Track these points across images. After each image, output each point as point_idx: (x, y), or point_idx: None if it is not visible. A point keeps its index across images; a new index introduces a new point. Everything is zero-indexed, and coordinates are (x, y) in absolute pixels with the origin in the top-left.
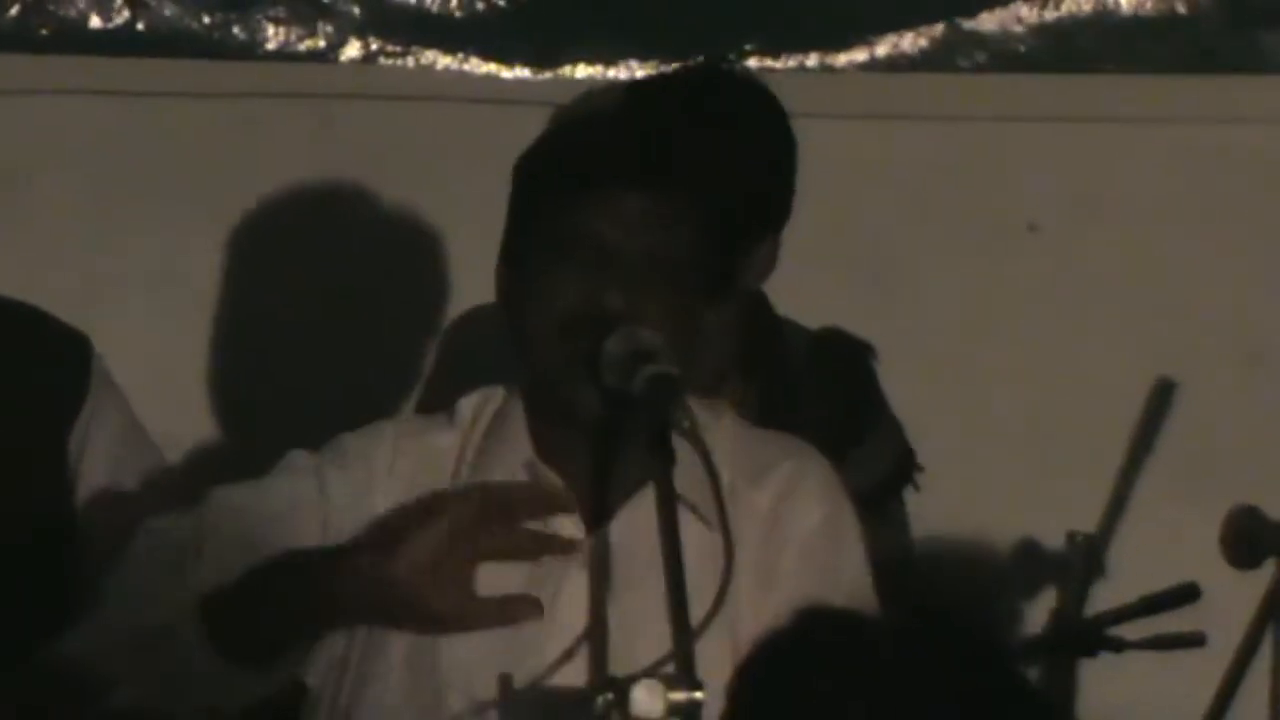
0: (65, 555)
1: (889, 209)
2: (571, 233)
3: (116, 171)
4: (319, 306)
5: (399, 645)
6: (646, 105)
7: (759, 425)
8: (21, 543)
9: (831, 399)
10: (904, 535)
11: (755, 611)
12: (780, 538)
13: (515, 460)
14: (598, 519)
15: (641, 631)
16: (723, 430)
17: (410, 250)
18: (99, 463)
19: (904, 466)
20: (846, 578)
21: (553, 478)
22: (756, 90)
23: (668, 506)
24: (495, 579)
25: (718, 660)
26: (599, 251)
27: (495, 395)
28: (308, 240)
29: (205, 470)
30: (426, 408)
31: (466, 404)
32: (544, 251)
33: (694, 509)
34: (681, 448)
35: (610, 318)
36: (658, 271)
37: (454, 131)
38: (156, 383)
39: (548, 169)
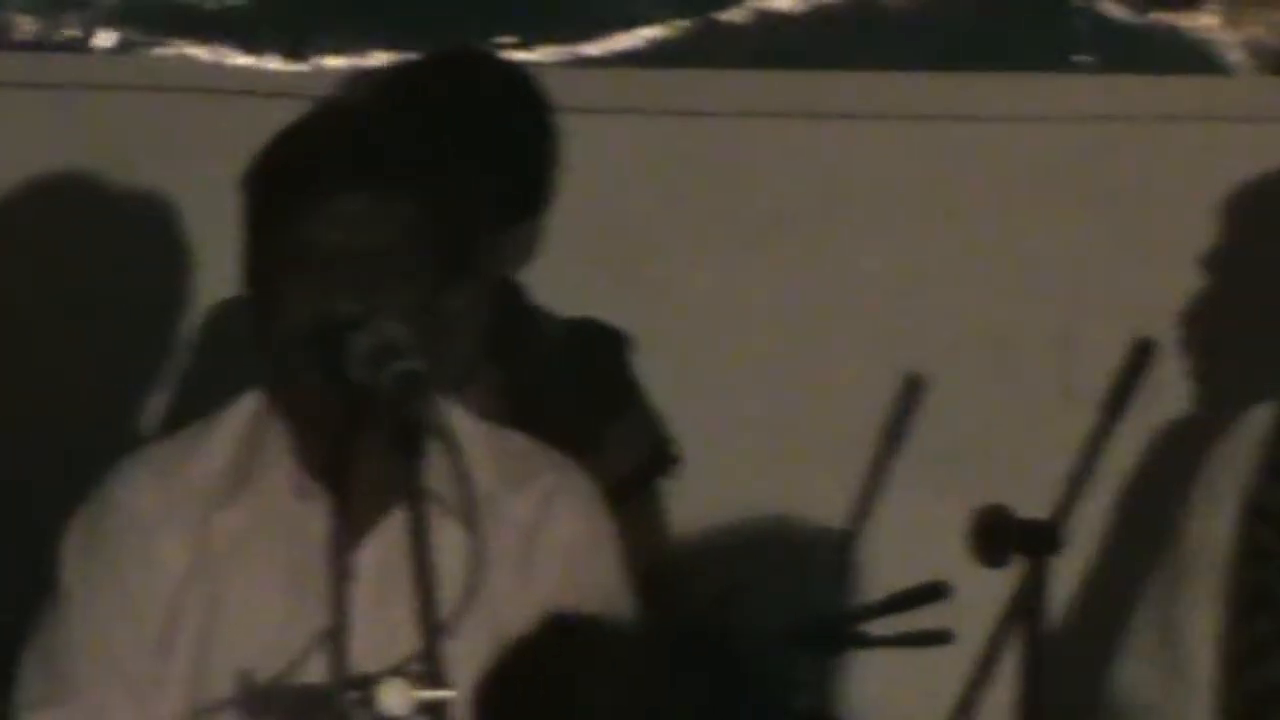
0: None
1: (640, 201)
2: (295, 242)
3: None
4: (66, 302)
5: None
6: (388, 92)
7: (512, 413)
8: None
9: (583, 387)
10: (657, 526)
11: (515, 608)
12: (540, 545)
13: (280, 478)
14: (355, 531)
15: (407, 639)
16: (479, 435)
17: (161, 244)
18: None
19: (658, 456)
20: (603, 592)
21: (320, 494)
22: (512, 73)
23: (415, 504)
24: (257, 594)
25: (478, 660)
26: (324, 257)
27: (250, 405)
28: (56, 234)
29: None
30: (183, 407)
31: (222, 421)
32: (273, 264)
33: (451, 513)
34: (440, 456)
35: (347, 322)
36: (385, 268)
37: (207, 123)
38: None
39: (266, 180)
